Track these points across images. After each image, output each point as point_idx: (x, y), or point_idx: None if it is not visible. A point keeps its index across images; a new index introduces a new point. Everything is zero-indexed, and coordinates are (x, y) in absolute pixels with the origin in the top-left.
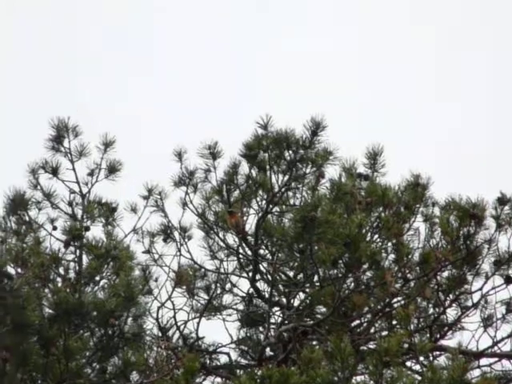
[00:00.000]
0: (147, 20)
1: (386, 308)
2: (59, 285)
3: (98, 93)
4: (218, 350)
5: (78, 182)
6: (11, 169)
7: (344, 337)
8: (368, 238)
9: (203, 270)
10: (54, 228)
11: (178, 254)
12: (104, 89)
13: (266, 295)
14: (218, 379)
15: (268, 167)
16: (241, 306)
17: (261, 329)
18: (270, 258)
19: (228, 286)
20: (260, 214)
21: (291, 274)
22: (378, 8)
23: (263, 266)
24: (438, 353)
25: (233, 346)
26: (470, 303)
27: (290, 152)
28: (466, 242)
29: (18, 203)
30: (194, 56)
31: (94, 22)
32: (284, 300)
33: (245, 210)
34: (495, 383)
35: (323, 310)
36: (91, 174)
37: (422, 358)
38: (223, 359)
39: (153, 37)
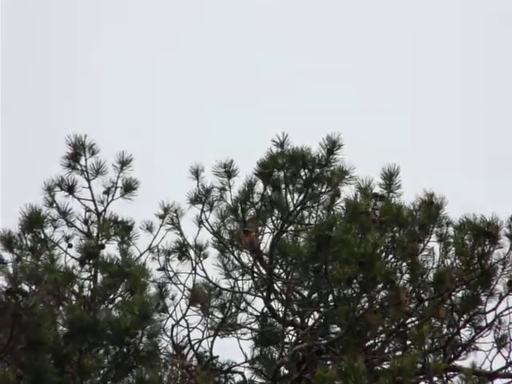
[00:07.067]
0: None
1: (400, 328)
2: (74, 303)
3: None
4: (233, 369)
5: (93, 200)
6: (27, 186)
7: (358, 356)
8: (383, 258)
9: (218, 288)
10: (70, 246)
11: (193, 272)
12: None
13: (281, 314)
14: None
15: (283, 186)
16: (255, 325)
17: (275, 348)
18: (285, 277)
19: (243, 304)
20: (275, 233)
21: (305, 293)
22: None
23: (278, 285)
24: (451, 373)
25: (247, 364)
26: (483, 323)
27: (306, 171)
28: (480, 261)
29: (33, 221)
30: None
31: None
32: (298, 319)
33: (260, 228)
34: None
35: (337, 329)
36: (107, 192)
37: (435, 379)
38: (237, 378)
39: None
